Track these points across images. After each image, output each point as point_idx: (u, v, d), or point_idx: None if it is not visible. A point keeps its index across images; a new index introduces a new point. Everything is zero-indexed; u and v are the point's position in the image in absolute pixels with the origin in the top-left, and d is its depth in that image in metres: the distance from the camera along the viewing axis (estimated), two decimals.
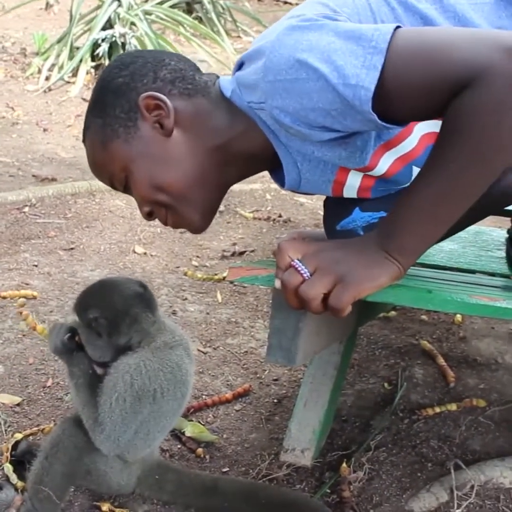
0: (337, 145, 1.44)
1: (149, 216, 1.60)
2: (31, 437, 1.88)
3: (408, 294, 1.38)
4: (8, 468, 1.76)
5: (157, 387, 1.58)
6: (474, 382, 2.23)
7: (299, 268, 1.36)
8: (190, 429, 1.95)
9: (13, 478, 1.73)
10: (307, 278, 1.36)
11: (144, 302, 1.61)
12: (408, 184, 1.46)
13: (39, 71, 5.11)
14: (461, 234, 2.11)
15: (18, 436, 1.85)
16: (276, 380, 2.22)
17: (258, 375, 2.24)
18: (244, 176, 1.61)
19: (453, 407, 2.09)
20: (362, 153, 1.46)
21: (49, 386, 2.11)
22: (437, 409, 2.08)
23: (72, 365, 1.62)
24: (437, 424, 2.02)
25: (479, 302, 1.39)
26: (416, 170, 1.54)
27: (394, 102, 1.31)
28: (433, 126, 1.50)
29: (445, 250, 2.10)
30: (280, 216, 3.34)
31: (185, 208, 1.56)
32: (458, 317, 2.57)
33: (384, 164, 1.52)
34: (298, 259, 1.38)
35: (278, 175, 1.63)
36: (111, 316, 1.58)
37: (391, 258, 1.35)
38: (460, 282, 1.73)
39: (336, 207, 1.69)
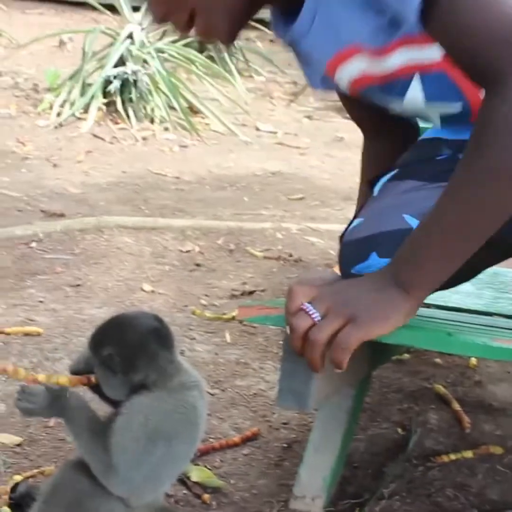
0: (371, 10, 1.37)
1: (163, 20, 1.47)
2: (31, 479, 1.82)
3: (427, 336, 1.34)
4: (6, 511, 1.70)
5: (171, 429, 1.52)
6: (490, 428, 2.17)
7: (310, 311, 1.32)
8: (197, 474, 1.89)
9: None
10: (317, 321, 1.31)
11: (161, 338, 1.55)
12: None
13: (51, 107, 5.12)
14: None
15: (18, 478, 1.79)
16: (285, 424, 2.15)
17: (267, 419, 2.18)
18: None
19: (469, 454, 2.03)
20: (388, 30, 1.39)
21: (51, 426, 2.05)
22: (452, 456, 2.01)
23: (70, 415, 1.55)
24: (453, 471, 1.96)
25: (503, 346, 1.34)
26: (413, 92, 1.53)
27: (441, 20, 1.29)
28: None
29: (461, 291, 2.04)
30: (290, 255, 3.29)
31: (215, 12, 1.44)
32: (473, 360, 2.51)
33: (396, 59, 1.46)
34: (308, 302, 1.33)
35: (280, 24, 1.54)
36: (126, 353, 1.52)
37: (404, 293, 1.32)
38: (477, 325, 1.68)
39: (352, 251, 1.64)
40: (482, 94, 1.34)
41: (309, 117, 5.64)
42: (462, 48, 1.31)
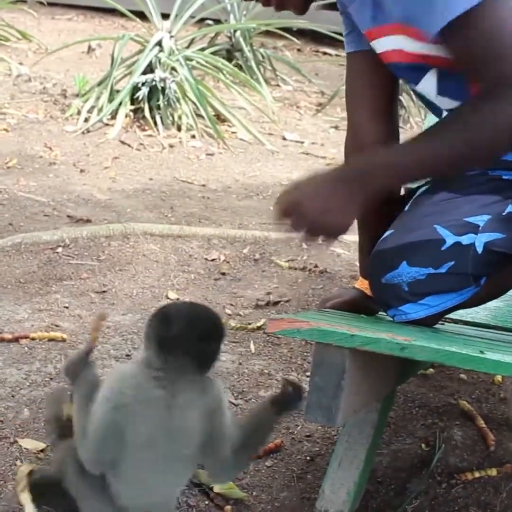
0: None
1: None
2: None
3: (459, 354, 1.32)
4: (26, 497, 1.70)
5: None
6: None
7: None
8: (219, 485, 1.88)
9: (30, 507, 1.68)
10: None
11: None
12: None
13: (79, 113, 5.13)
14: None
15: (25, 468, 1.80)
16: (309, 436, 2.14)
17: (290, 431, 2.16)
18: None
19: (493, 472, 2.01)
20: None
21: None
22: (477, 474, 2.00)
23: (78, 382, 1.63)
24: (477, 489, 1.94)
25: None
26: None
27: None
28: None
29: (489, 308, 2.03)
30: (316, 266, 3.28)
31: None
32: (499, 377, 2.48)
33: (438, 49, 1.61)
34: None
35: None
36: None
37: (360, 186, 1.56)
38: (507, 342, 1.67)
39: (383, 259, 1.64)
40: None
41: (335, 127, 5.61)
42: (475, 56, 1.53)
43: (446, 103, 1.73)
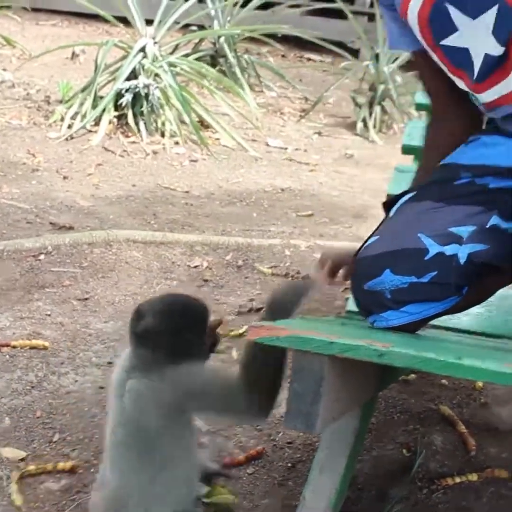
0: None
1: None
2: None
3: (436, 361, 1.32)
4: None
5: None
6: (496, 451, 2.16)
7: None
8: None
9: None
10: None
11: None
12: None
13: (62, 119, 5.12)
14: None
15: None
16: (290, 443, 2.14)
17: (272, 438, 2.17)
18: None
19: (474, 477, 2.02)
20: None
21: (55, 441, 2.05)
22: (457, 479, 2.00)
23: None
24: (457, 494, 1.95)
25: None
26: None
27: None
28: None
29: (471, 314, 2.03)
30: (298, 272, 3.28)
31: None
32: (479, 382, 2.49)
33: None
34: None
35: None
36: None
37: None
38: (488, 348, 1.68)
39: (366, 266, 1.65)
40: None
41: (319, 134, 5.63)
42: None
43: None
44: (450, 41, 1.67)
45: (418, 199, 1.75)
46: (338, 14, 7.30)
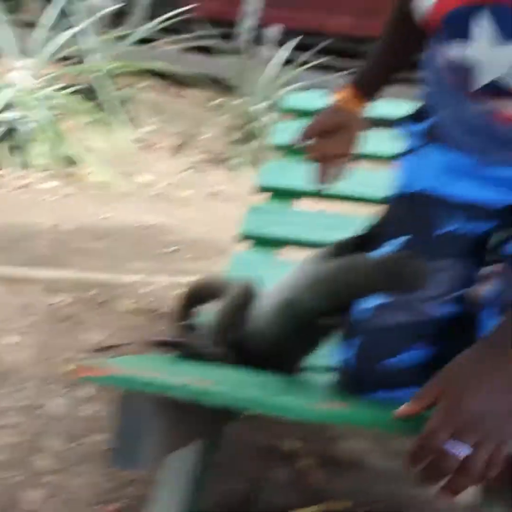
0: None
1: None
2: None
3: (252, 398, 1.37)
4: None
5: None
6: (340, 483, 2.21)
7: (457, 452, 1.13)
8: None
9: None
10: (464, 455, 1.13)
11: None
12: None
13: None
14: None
15: None
16: (133, 480, 2.16)
17: (120, 474, 2.18)
18: None
19: (318, 509, 2.07)
20: None
21: None
22: None
23: None
24: None
25: (322, 409, 1.38)
26: None
27: None
28: None
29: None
30: (159, 309, 3.31)
31: None
32: None
33: None
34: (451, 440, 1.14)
35: None
36: None
37: None
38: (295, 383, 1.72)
39: (387, 340, 1.51)
40: None
41: (192, 169, 5.69)
42: None
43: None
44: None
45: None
46: (219, 51, 7.42)
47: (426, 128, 1.69)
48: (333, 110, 1.91)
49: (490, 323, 1.38)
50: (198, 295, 1.95)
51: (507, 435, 1.13)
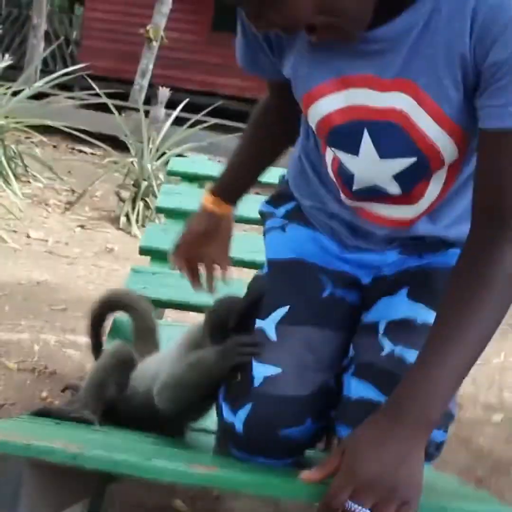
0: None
1: (266, 28, 1.36)
2: None
3: (126, 462, 1.38)
4: None
5: None
6: None
7: (356, 509, 1.24)
8: None
9: None
10: None
11: None
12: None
13: None
14: None
15: None
16: None
17: None
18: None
19: None
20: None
21: None
22: None
23: None
24: None
25: (199, 472, 1.39)
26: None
27: None
28: None
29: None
30: (46, 367, 3.29)
31: (349, 25, 1.34)
32: None
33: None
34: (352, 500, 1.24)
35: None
36: None
37: (420, 431, 1.29)
38: (179, 446, 1.75)
39: (285, 411, 1.54)
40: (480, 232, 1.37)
41: (82, 226, 5.68)
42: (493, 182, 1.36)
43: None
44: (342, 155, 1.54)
45: (293, 322, 1.59)
46: (114, 109, 7.49)
47: (289, 210, 1.77)
48: (203, 215, 1.92)
49: None
50: (109, 306, 2.22)
51: (405, 497, 1.23)
